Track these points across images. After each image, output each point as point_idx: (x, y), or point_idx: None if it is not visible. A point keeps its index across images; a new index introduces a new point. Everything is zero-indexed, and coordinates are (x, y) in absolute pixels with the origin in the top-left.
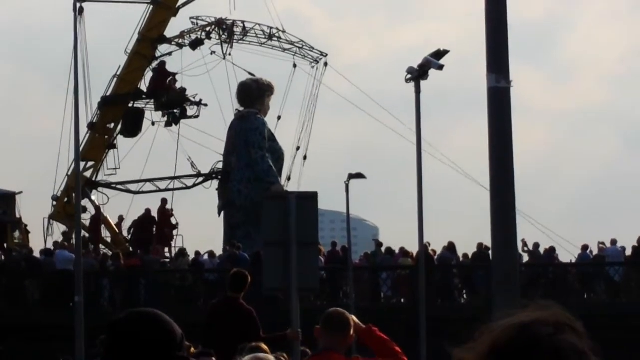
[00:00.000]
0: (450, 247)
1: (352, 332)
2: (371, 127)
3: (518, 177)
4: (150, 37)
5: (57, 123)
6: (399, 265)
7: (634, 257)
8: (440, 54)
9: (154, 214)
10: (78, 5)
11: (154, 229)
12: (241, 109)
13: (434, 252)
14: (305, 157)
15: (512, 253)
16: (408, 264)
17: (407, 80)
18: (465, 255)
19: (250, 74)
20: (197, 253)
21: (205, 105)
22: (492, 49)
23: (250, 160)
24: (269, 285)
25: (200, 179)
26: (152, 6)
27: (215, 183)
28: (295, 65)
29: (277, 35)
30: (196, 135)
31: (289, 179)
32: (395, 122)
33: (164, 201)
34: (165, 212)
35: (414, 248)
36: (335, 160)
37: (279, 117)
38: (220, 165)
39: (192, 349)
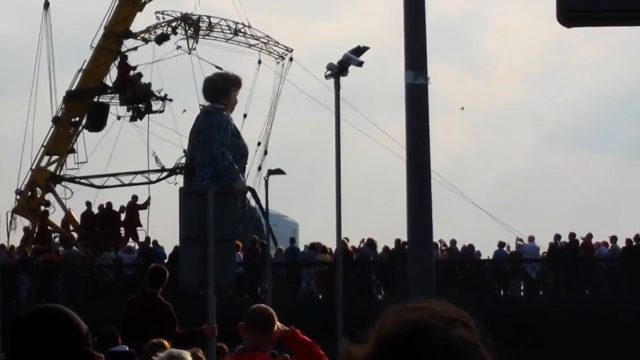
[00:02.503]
0: (370, 243)
1: (275, 328)
2: (290, 122)
3: (435, 173)
4: (116, 31)
5: (22, 117)
6: (317, 262)
7: (551, 254)
8: (360, 51)
9: (119, 210)
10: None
11: (119, 224)
12: (207, 104)
13: (354, 248)
14: (265, 152)
15: (428, 250)
16: (326, 260)
17: (326, 77)
18: (385, 248)
19: (217, 67)
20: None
21: (170, 100)
22: (410, 46)
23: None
24: (186, 281)
25: (165, 174)
26: (118, 1)
27: (179, 178)
28: (260, 62)
29: (242, 30)
30: (161, 130)
31: (259, 168)
32: (314, 117)
33: (134, 197)
34: (133, 207)
35: (333, 244)
36: (257, 154)
37: (245, 115)
38: (184, 161)
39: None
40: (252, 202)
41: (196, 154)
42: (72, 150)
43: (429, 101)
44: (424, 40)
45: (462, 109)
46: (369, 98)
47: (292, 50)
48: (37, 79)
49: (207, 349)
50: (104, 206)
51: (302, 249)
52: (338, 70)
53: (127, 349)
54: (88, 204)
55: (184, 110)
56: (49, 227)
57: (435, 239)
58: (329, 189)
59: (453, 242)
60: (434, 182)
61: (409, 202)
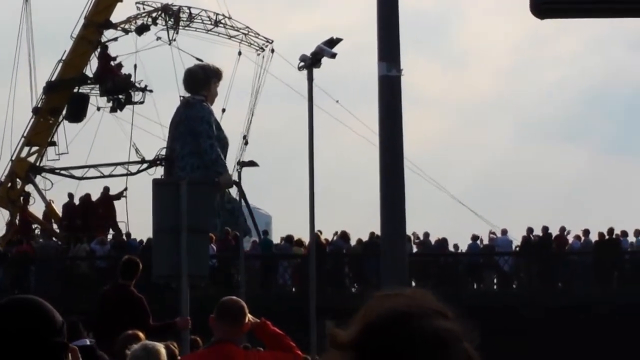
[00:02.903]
0: (344, 236)
1: (246, 320)
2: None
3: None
4: (96, 22)
5: (1, 107)
6: (291, 254)
7: (524, 248)
8: (333, 42)
9: (97, 200)
10: None
11: (95, 215)
12: (187, 95)
13: (327, 240)
14: (246, 143)
15: (401, 243)
16: (300, 252)
17: (299, 68)
18: (359, 241)
19: (198, 59)
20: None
21: (151, 91)
22: (384, 38)
23: (195, 148)
24: (158, 272)
25: (145, 165)
26: None
27: (159, 169)
28: (240, 53)
29: (223, 21)
30: (141, 121)
31: (238, 163)
32: (288, 109)
33: (106, 189)
34: (107, 199)
35: (307, 236)
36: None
37: (223, 110)
38: (164, 152)
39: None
40: (233, 194)
41: (176, 145)
42: (53, 143)
43: (404, 93)
44: (397, 32)
45: None
46: (344, 90)
47: (272, 41)
48: (16, 70)
49: (180, 341)
50: (84, 198)
51: (275, 241)
52: (311, 62)
53: (88, 342)
54: (70, 195)
55: (223, 110)
56: (30, 219)
57: (409, 231)
58: (303, 181)
59: (426, 235)
60: (409, 173)
61: (382, 195)
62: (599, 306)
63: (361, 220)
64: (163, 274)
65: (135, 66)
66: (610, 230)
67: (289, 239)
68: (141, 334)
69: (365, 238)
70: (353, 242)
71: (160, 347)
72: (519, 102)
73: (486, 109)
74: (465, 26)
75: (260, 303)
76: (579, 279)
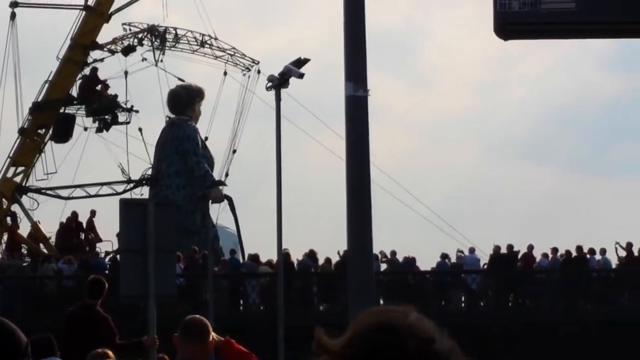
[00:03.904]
0: (311, 255)
1: (211, 339)
2: (223, 134)
3: (376, 185)
4: (83, 43)
5: None
6: (259, 273)
7: (491, 266)
8: (301, 62)
9: (82, 219)
10: (10, 10)
11: (81, 235)
12: (172, 115)
13: (297, 259)
14: (234, 152)
15: (367, 261)
16: (268, 271)
17: (267, 88)
18: (327, 260)
19: (179, 79)
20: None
21: (137, 111)
22: (350, 58)
23: (182, 167)
24: (126, 292)
25: (131, 185)
26: (84, 12)
27: (145, 189)
28: (225, 73)
29: (209, 42)
30: (127, 141)
31: (227, 174)
32: (256, 128)
33: (93, 213)
34: (91, 223)
35: (274, 255)
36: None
37: (206, 138)
38: (150, 172)
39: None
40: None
41: (162, 165)
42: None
43: (370, 111)
44: (364, 53)
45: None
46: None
47: (258, 62)
48: (3, 90)
49: None
50: (72, 217)
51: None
52: (279, 82)
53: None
54: (74, 214)
55: (206, 138)
56: (18, 239)
57: (377, 249)
58: (270, 200)
59: (393, 253)
60: (378, 191)
61: (348, 213)
62: (566, 325)
63: (330, 239)
64: (130, 294)
65: (126, 88)
66: (579, 248)
67: (254, 257)
68: (110, 353)
69: (334, 257)
70: (321, 261)
71: None
72: (487, 120)
73: (454, 127)
74: (432, 45)
75: (228, 322)
76: (545, 297)
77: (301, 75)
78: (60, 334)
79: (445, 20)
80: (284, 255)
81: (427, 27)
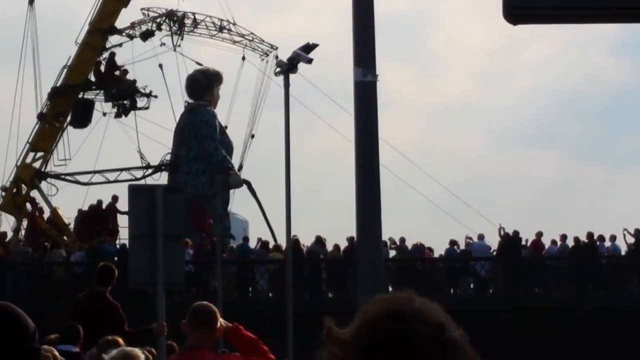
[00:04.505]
0: (319, 241)
1: (219, 325)
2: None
3: (385, 171)
4: (101, 27)
5: (6, 113)
6: (269, 259)
7: (500, 252)
8: (309, 48)
9: (105, 206)
10: None
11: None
12: (191, 101)
13: (303, 245)
14: (252, 136)
15: (377, 248)
16: (278, 257)
17: (276, 74)
18: (336, 247)
19: (198, 63)
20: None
21: (155, 96)
22: (359, 44)
23: (200, 152)
24: (135, 278)
25: (150, 171)
26: None
27: (164, 175)
28: (244, 58)
29: (227, 27)
30: (146, 126)
31: (240, 167)
32: (273, 114)
33: (115, 198)
34: (112, 208)
35: (283, 241)
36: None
37: (226, 127)
38: (169, 157)
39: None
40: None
41: (181, 150)
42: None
43: (379, 97)
44: (373, 38)
45: None
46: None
47: (277, 48)
48: (22, 75)
49: (157, 347)
50: (95, 206)
51: (252, 246)
52: (287, 68)
53: (74, 349)
54: (98, 202)
55: (225, 127)
56: (40, 225)
57: (386, 236)
58: (279, 186)
59: (402, 240)
60: (385, 177)
61: (357, 200)
62: (575, 311)
63: (339, 225)
64: (139, 280)
65: (152, 71)
66: (589, 235)
67: (264, 244)
68: (120, 340)
69: (342, 243)
70: (329, 247)
71: (139, 353)
72: (493, 107)
73: (461, 113)
74: (440, 30)
75: (237, 309)
76: (556, 283)
77: (310, 61)
78: (70, 321)
79: (452, 7)
80: (293, 241)
81: (434, 14)
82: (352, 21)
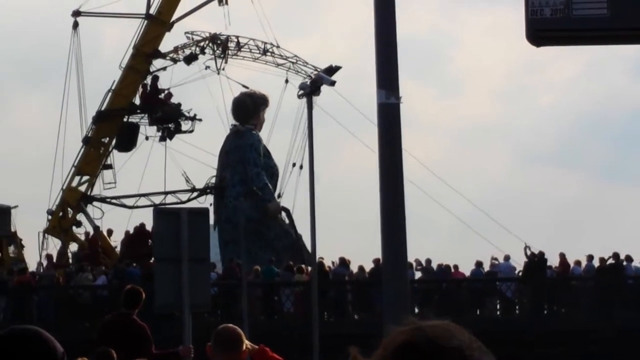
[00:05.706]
0: (343, 262)
1: (244, 348)
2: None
3: (409, 192)
4: (145, 51)
5: (52, 137)
6: (294, 282)
7: (526, 273)
8: (332, 70)
9: (149, 228)
10: (73, 19)
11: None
12: (237, 123)
13: (329, 267)
14: (301, 167)
15: (402, 269)
16: (302, 279)
17: (299, 96)
18: (361, 268)
19: (244, 86)
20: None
21: (200, 120)
22: (382, 65)
23: (245, 176)
24: (161, 301)
25: (195, 194)
26: (146, 21)
27: (209, 198)
28: (287, 81)
29: (271, 50)
30: (191, 150)
31: (279, 195)
32: (286, 136)
33: (142, 225)
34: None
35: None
36: (292, 175)
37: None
38: (214, 180)
39: None
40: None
41: (226, 173)
42: (109, 166)
43: (402, 117)
44: (396, 60)
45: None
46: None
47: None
48: (67, 99)
49: None
50: (139, 227)
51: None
52: (310, 90)
53: None
54: (142, 225)
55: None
56: (97, 247)
57: (412, 255)
58: (304, 207)
59: (428, 261)
60: (410, 197)
61: (382, 222)
62: (601, 332)
63: (362, 247)
64: (165, 304)
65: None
66: (616, 255)
67: (288, 267)
68: None
69: (367, 264)
70: (354, 269)
71: None
72: (515, 127)
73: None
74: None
75: (263, 331)
76: (582, 304)
77: (333, 83)
78: (96, 343)
79: (473, 28)
80: (318, 264)
81: (455, 35)
82: (374, 44)
